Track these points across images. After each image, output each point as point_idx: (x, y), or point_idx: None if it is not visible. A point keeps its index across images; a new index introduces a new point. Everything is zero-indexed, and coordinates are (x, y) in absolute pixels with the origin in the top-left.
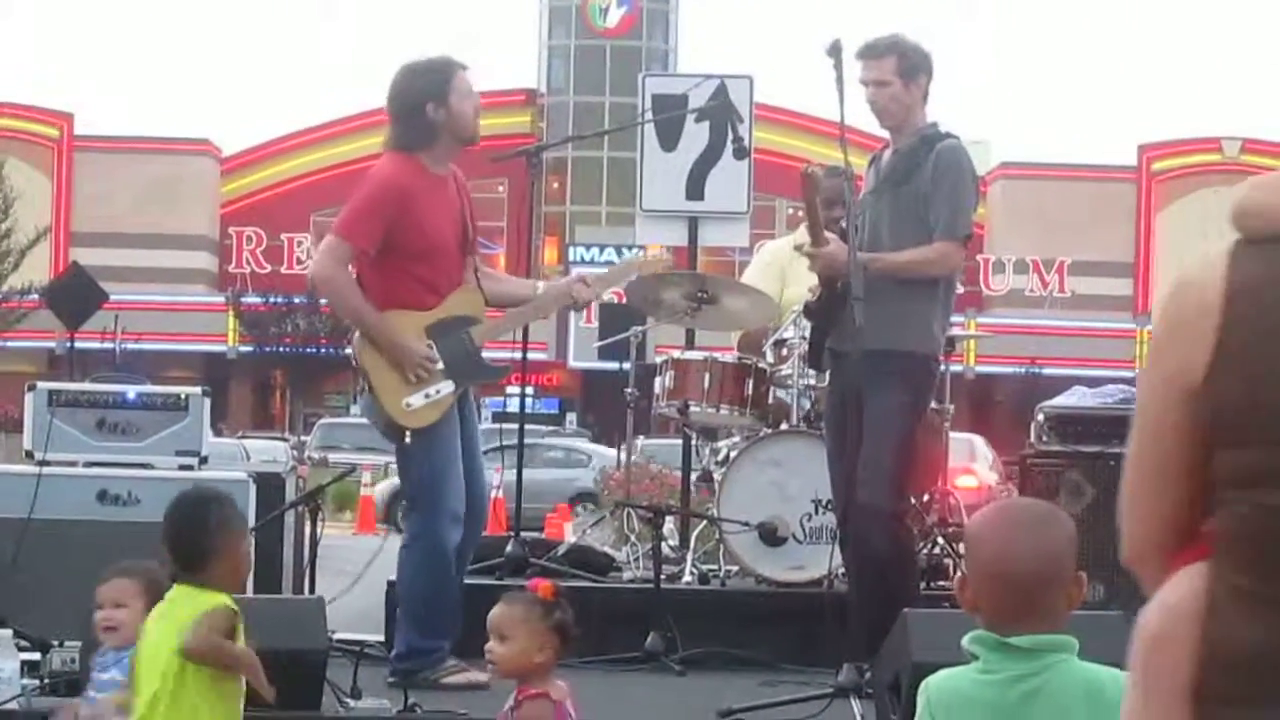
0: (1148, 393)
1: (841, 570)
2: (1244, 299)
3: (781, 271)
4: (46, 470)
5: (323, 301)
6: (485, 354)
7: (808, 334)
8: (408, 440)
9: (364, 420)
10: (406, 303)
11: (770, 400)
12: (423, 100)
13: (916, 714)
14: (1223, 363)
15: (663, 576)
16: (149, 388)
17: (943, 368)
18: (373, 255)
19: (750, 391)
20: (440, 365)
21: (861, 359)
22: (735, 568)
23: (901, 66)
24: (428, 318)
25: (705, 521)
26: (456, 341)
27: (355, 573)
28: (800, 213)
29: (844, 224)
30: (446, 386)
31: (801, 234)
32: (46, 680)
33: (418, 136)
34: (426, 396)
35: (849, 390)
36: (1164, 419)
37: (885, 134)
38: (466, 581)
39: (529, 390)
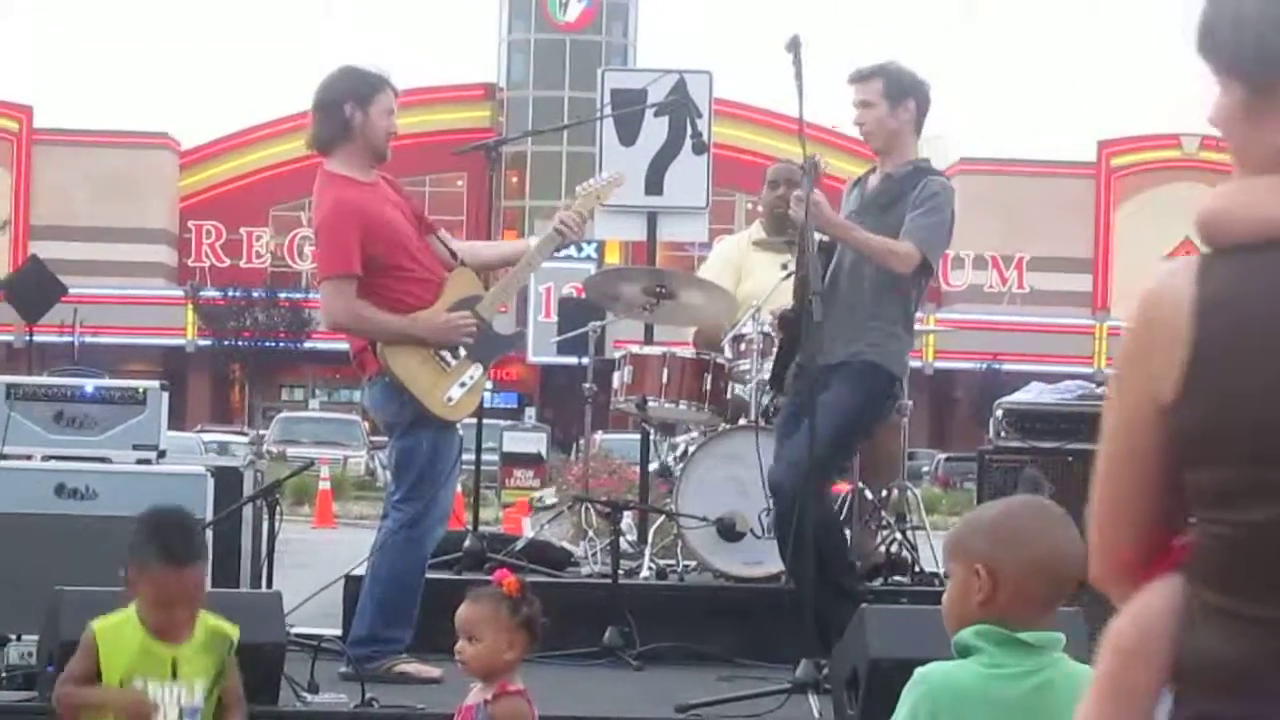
0: (1120, 412)
1: None
2: (1214, 314)
3: (737, 266)
4: (4, 464)
5: (281, 295)
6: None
7: (774, 337)
8: (459, 433)
9: (322, 414)
10: (411, 305)
11: (728, 395)
12: (343, 98)
13: (907, 708)
14: (1194, 380)
15: (621, 571)
16: (107, 381)
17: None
18: (363, 276)
19: (708, 386)
20: (463, 352)
21: (823, 371)
22: (693, 563)
23: (888, 89)
24: (437, 310)
25: (663, 516)
26: None
27: (313, 565)
28: (758, 207)
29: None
30: (475, 370)
31: (758, 230)
32: (4, 674)
33: (332, 132)
34: (462, 386)
35: (806, 401)
36: (1137, 439)
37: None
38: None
39: (487, 384)
